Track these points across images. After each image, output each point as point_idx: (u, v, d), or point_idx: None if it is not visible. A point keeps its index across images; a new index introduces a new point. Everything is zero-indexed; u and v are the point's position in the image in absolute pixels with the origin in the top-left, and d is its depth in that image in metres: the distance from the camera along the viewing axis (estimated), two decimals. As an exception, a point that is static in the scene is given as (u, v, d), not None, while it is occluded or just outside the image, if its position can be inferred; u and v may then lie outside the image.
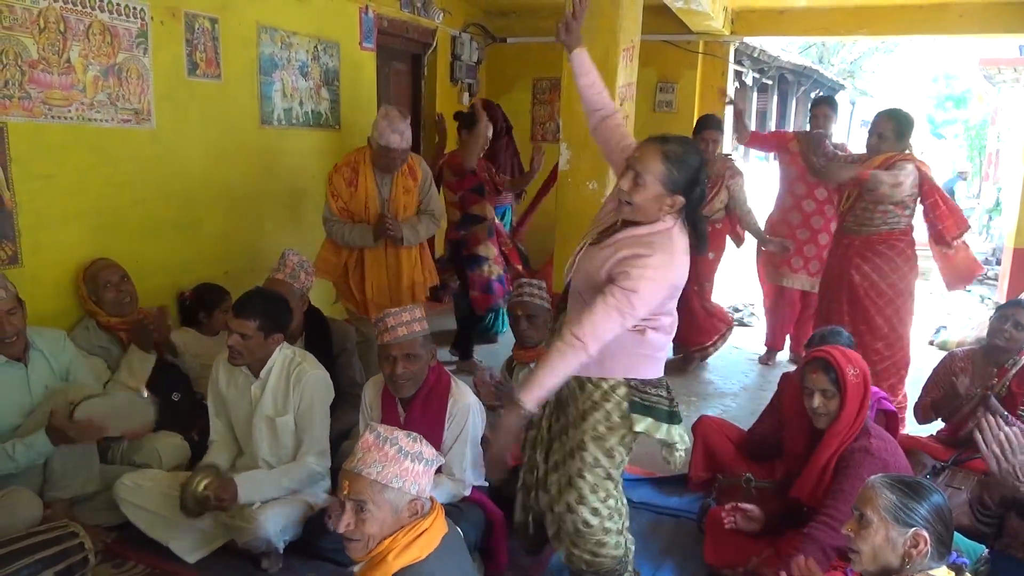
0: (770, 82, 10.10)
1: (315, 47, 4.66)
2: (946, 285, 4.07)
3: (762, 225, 4.88)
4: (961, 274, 3.97)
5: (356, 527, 1.66)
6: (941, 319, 6.58)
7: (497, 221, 4.89)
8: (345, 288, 3.85)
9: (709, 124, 4.71)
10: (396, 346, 2.58)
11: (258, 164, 4.32)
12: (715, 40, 6.47)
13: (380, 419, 2.70)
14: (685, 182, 2.07)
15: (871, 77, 17.68)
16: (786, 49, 10.56)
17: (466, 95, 6.49)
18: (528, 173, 4.93)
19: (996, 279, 8.18)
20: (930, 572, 1.71)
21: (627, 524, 2.41)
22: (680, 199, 2.08)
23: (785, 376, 3.31)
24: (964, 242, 3.91)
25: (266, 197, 4.42)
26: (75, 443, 2.59)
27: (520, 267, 4.94)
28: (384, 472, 1.65)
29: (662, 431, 2.26)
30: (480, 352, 5.11)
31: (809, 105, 4.98)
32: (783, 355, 5.38)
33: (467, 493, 2.75)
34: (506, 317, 5.57)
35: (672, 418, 2.28)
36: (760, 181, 6.46)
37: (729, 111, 5.82)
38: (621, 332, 2.09)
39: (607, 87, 3.78)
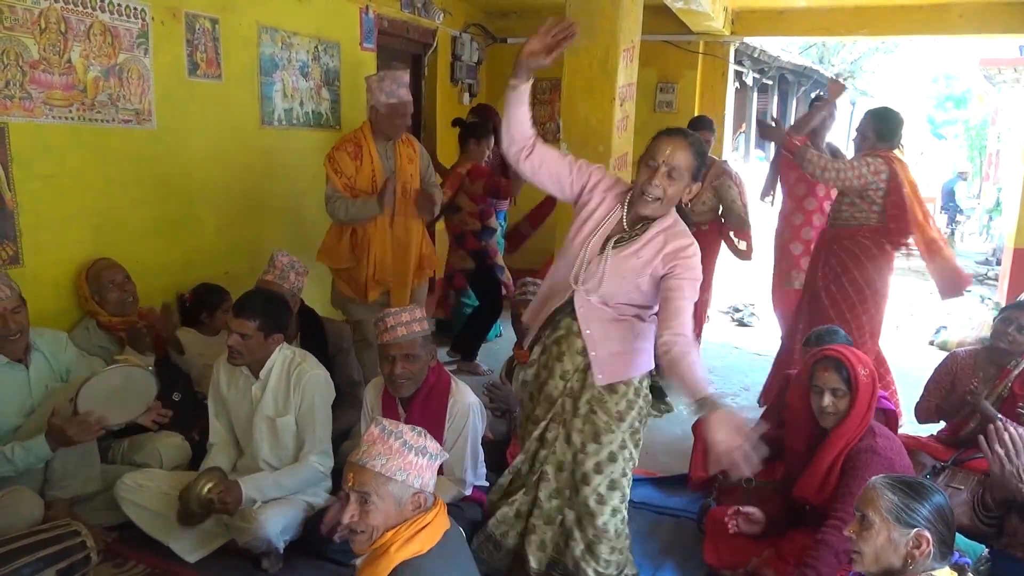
0: (770, 82, 10.10)
1: (315, 47, 4.66)
2: (939, 292, 3.96)
3: (756, 225, 4.90)
4: (946, 282, 3.86)
5: (360, 519, 1.69)
6: (941, 319, 6.58)
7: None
8: (345, 274, 3.76)
9: (702, 125, 4.77)
10: (395, 346, 2.59)
11: (259, 164, 4.33)
12: (715, 40, 6.47)
13: (381, 419, 2.71)
14: (701, 169, 2.20)
15: (871, 77, 17.66)
16: (786, 49, 10.56)
17: (466, 95, 6.49)
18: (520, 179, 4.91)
19: (996, 279, 8.18)
20: (933, 573, 1.71)
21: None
22: (697, 186, 2.21)
23: (786, 376, 3.32)
24: (948, 248, 3.85)
25: (267, 197, 4.42)
26: (75, 444, 2.59)
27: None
28: (388, 465, 1.68)
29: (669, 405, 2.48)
30: (480, 353, 5.11)
31: (808, 105, 4.99)
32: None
33: (468, 493, 2.76)
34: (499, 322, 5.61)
35: (662, 393, 2.46)
36: (760, 181, 6.44)
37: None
38: (645, 328, 2.27)
39: (608, 87, 3.81)
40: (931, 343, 6.01)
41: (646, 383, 2.36)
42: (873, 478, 1.86)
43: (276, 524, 2.55)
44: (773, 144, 4.77)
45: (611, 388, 2.30)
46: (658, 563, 2.75)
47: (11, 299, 2.66)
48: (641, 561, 2.74)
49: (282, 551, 2.64)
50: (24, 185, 3.09)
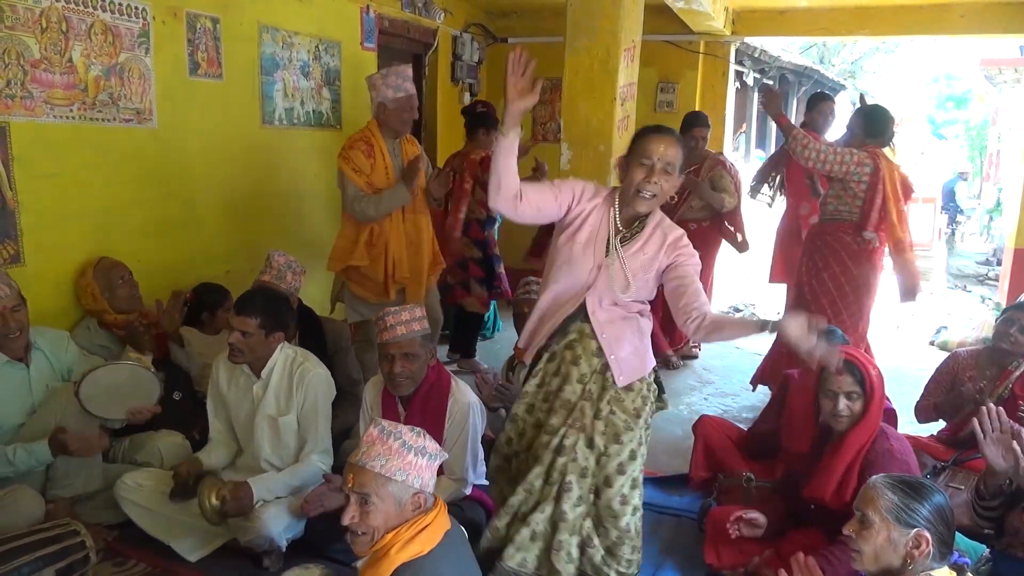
0: (771, 82, 10.09)
1: (316, 47, 4.67)
2: (899, 294, 3.98)
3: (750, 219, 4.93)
4: (904, 285, 3.90)
5: (360, 520, 1.69)
6: (942, 319, 6.58)
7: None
8: (359, 275, 3.70)
9: (698, 121, 4.81)
10: (395, 345, 2.59)
11: (259, 164, 4.33)
12: (716, 40, 6.47)
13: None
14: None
15: (872, 77, 17.69)
16: (787, 49, 10.56)
17: (467, 95, 6.49)
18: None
19: (997, 280, 8.19)
20: (932, 572, 1.71)
21: None
22: (681, 178, 2.32)
23: (786, 376, 3.32)
24: (912, 253, 3.87)
25: (267, 196, 4.42)
26: (76, 456, 2.60)
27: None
28: (388, 465, 1.68)
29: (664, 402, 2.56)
30: (480, 352, 5.11)
31: (807, 102, 4.99)
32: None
33: (468, 492, 2.76)
34: (498, 318, 5.62)
35: (659, 389, 2.51)
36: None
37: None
38: (646, 324, 2.36)
39: (609, 87, 3.82)
40: (931, 343, 6.01)
41: (652, 379, 2.42)
42: (873, 477, 1.86)
43: (278, 523, 2.55)
44: (774, 143, 4.78)
45: (628, 386, 2.34)
46: (658, 563, 2.75)
47: (11, 297, 2.67)
48: (641, 561, 2.74)
49: (284, 550, 2.64)
50: (25, 184, 3.09)
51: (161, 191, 3.71)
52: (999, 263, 8.62)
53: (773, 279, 5.09)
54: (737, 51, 6.94)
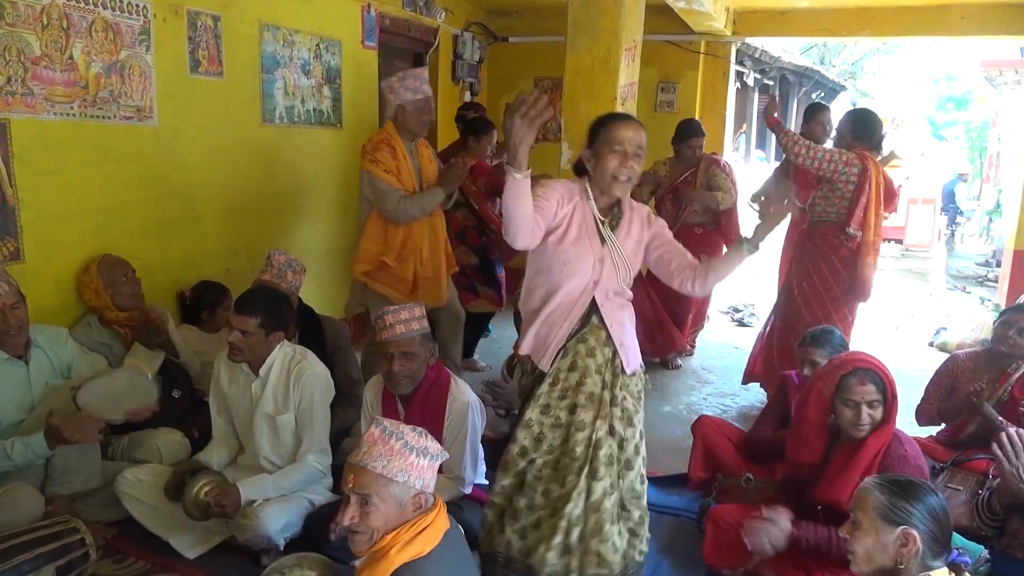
0: (771, 83, 10.09)
1: (317, 45, 4.67)
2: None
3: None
4: (858, 285, 3.92)
5: (360, 520, 1.67)
6: (941, 320, 6.58)
7: None
8: (387, 276, 3.67)
9: (694, 131, 4.85)
10: (394, 344, 2.60)
11: (260, 162, 4.33)
12: (717, 40, 6.47)
13: (381, 417, 2.71)
14: None
15: (872, 78, 17.70)
16: (787, 50, 10.57)
17: (468, 94, 6.50)
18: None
19: (996, 281, 8.19)
20: (931, 573, 1.71)
21: None
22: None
23: (784, 378, 3.32)
24: (873, 258, 3.91)
25: (268, 195, 4.42)
26: (72, 444, 2.59)
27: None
28: (390, 466, 1.67)
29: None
30: (479, 352, 5.12)
31: (804, 113, 4.98)
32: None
33: (467, 491, 2.76)
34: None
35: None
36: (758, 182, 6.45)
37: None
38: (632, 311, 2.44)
39: (610, 86, 3.81)
40: (931, 344, 6.01)
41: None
42: (865, 479, 1.86)
43: (276, 521, 2.55)
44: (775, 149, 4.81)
45: (631, 372, 2.42)
46: (657, 562, 2.75)
47: (10, 295, 2.66)
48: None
49: (282, 548, 2.63)
50: (25, 181, 3.09)
51: (161, 189, 3.71)
52: (999, 264, 8.62)
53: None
54: (738, 51, 6.94)
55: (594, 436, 2.30)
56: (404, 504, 1.69)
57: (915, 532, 1.70)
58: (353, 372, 3.53)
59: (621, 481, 2.36)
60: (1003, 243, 7.46)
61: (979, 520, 2.33)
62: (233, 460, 2.88)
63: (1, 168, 2.99)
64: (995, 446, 2.13)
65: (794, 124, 11.64)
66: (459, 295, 4.72)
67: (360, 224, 3.71)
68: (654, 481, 3.36)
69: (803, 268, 3.99)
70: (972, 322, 6.34)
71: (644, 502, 2.43)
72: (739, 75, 8.09)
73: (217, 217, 4.07)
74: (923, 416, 3.44)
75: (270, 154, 4.40)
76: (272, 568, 2.07)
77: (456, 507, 2.64)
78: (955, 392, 3.34)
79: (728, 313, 6.71)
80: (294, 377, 2.72)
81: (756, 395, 4.58)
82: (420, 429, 1.77)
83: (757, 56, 8.52)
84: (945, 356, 3.68)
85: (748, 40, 7.02)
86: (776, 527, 2.33)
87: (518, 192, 2.08)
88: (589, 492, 2.29)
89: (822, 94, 13.20)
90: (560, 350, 2.35)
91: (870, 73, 17.48)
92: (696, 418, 3.45)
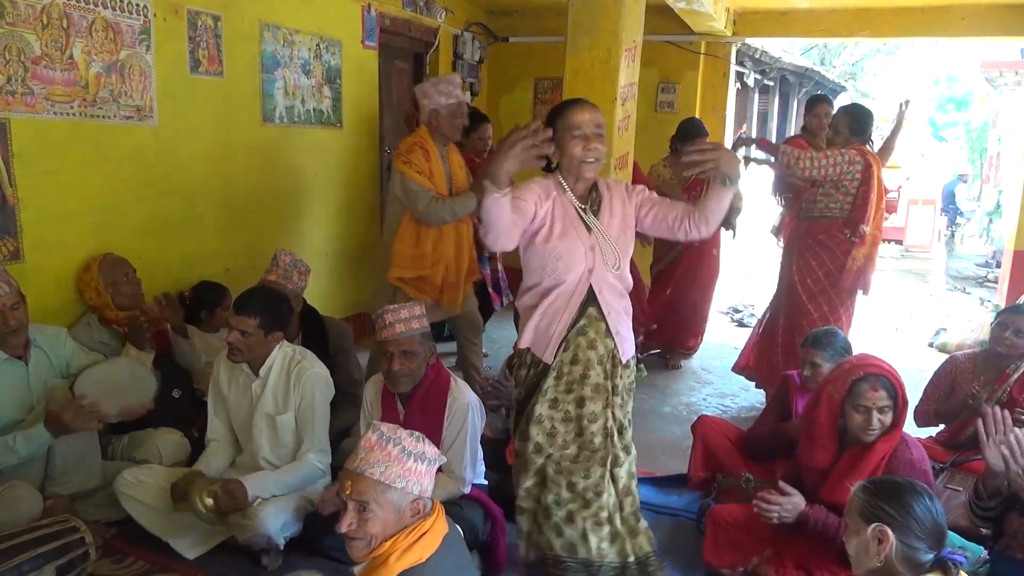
0: (772, 83, 10.08)
1: (317, 45, 4.67)
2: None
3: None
4: (861, 273, 4.01)
5: (358, 527, 1.64)
6: (941, 321, 6.58)
7: None
8: (417, 280, 3.68)
9: (701, 131, 4.84)
10: (394, 343, 2.60)
11: (260, 162, 4.33)
12: (717, 41, 6.47)
13: (380, 417, 2.71)
14: None
15: (872, 79, 17.69)
16: (788, 50, 10.56)
17: (468, 94, 6.49)
18: None
19: (996, 282, 8.19)
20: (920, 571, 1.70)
21: None
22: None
23: (786, 378, 3.32)
24: (872, 239, 3.97)
25: (268, 195, 4.42)
26: (73, 431, 2.58)
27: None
28: (387, 472, 1.64)
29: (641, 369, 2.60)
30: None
31: (806, 104, 5.01)
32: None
33: (466, 491, 2.76)
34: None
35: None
36: (760, 181, 6.46)
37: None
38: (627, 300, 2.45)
39: (610, 87, 3.81)
40: (930, 345, 6.01)
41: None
42: (856, 483, 1.87)
43: (276, 521, 2.55)
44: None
45: (626, 363, 2.44)
46: (657, 562, 2.75)
47: (10, 295, 2.66)
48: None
49: (282, 547, 2.64)
50: (25, 181, 3.09)
51: (161, 188, 3.71)
52: (998, 265, 8.62)
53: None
54: (738, 52, 6.94)
55: (608, 425, 2.36)
56: (402, 510, 1.66)
57: (888, 528, 1.69)
58: (354, 373, 3.53)
59: (627, 458, 2.45)
60: (1003, 244, 7.46)
61: (973, 513, 2.33)
62: (232, 462, 2.88)
63: (1, 167, 2.99)
64: (980, 430, 2.14)
65: (794, 125, 11.65)
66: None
67: (389, 227, 3.73)
68: (654, 481, 3.38)
69: (805, 264, 4.00)
70: (972, 323, 6.34)
71: (635, 485, 2.50)
72: (739, 76, 8.08)
73: (217, 217, 4.07)
74: (920, 417, 3.44)
75: (270, 154, 4.40)
76: None
77: (455, 506, 2.64)
78: (954, 393, 3.34)
79: (728, 313, 6.71)
80: (294, 377, 2.72)
81: (756, 395, 4.58)
82: (417, 434, 1.74)
83: (757, 57, 8.51)
84: (945, 357, 3.68)
85: (748, 41, 7.01)
86: (790, 501, 2.37)
87: (498, 208, 2.13)
88: (615, 479, 2.37)
89: (819, 93, 13.18)
90: (562, 342, 2.37)
91: (870, 74, 17.48)
92: (696, 418, 3.45)
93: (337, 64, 4.84)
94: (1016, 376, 3.17)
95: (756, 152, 4.76)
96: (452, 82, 3.66)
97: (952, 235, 12.60)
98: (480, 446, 2.85)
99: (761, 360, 4.33)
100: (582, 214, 2.35)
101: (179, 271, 3.83)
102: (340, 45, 4.84)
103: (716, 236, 4.98)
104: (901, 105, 4.61)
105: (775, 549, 2.49)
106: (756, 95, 9.54)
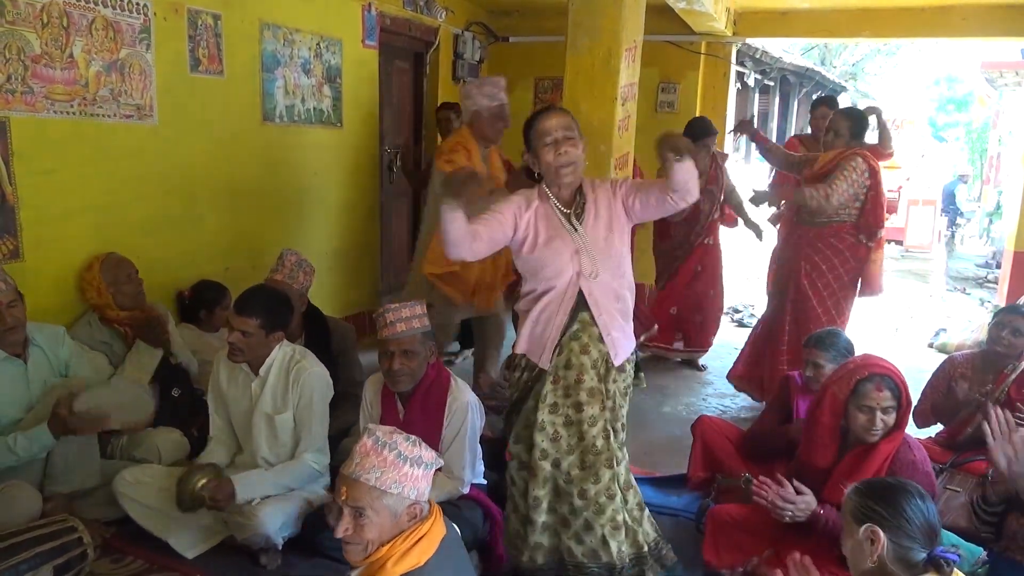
0: (772, 83, 10.09)
1: (317, 44, 4.66)
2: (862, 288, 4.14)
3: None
4: (874, 276, 4.07)
5: (355, 532, 1.63)
6: (941, 322, 6.58)
7: None
8: (452, 278, 3.71)
9: (711, 129, 4.83)
10: (394, 342, 2.59)
11: (260, 161, 4.33)
12: (717, 41, 6.47)
13: (380, 416, 2.71)
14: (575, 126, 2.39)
15: (873, 79, 17.68)
16: (788, 50, 10.55)
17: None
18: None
19: (996, 282, 8.19)
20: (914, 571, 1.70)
21: None
22: (584, 140, 2.41)
23: (787, 378, 3.31)
24: (882, 244, 4.06)
25: (268, 194, 4.42)
26: (77, 434, 2.59)
27: None
28: (383, 478, 1.62)
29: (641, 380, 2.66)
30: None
31: (812, 104, 5.01)
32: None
33: (465, 491, 2.75)
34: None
35: (635, 368, 2.60)
36: (760, 182, 6.46)
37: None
38: (630, 301, 2.45)
39: (610, 87, 3.80)
40: (930, 345, 6.01)
41: (633, 359, 2.55)
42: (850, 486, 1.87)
43: (275, 520, 2.55)
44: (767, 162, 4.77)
45: (620, 368, 2.45)
46: (656, 563, 2.75)
47: (7, 293, 2.66)
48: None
49: (280, 547, 2.63)
50: (25, 180, 3.09)
51: (161, 188, 3.71)
52: (998, 266, 8.62)
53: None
54: (738, 52, 6.93)
55: (607, 426, 2.40)
56: (399, 515, 1.65)
57: (878, 529, 1.69)
58: (356, 374, 3.53)
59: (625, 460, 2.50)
60: (1003, 245, 7.45)
61: (976, 515, 2.32)
62: (231, 460, 2.87)
63: (1, 166, 2.99)
64: (985, 427, 2.13)
65: (794, 124, 11.66)
66: None
67: (427, 224, 3.78)
68: (654, 481, 3.37)
69: (816, 268, 4.00)
70: (972, 324, 6.34)
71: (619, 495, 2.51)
72: (740, 76, 8.08)
73: (217, 216, 4.07)
74: (919, 418, 3.44)
75: (270, 153, 4.39)
76: None
77: (453, 506, 2.63)
78: (952, 394, 3.34)
79: (728, 313, 6.70)
80: (293, 376, 2.72)
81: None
82: (414, 438, 1.72)
83: (758, 57, 8.51)
84: (944, 357, 3.68)
85: (749, 41, 7.01)
86: (803, 500, 2.37)
87: (450, 221, 2.23)
88: (617, 477, 2.42)
89: (822, 95, 13.19)
90: (556, 347, 2.40)
91: (871, 74, 17.46)
92: (696, 418, 3.44)
93: (337, 63, 4.84)
94: (1014, 376, 3.17)
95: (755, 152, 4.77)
96: (496, 84, 3.68)
97: (952, 236, 12.59)
98: (480, 446, 2.85)
99: (760, 369, 4.31)
100: (563, 219, 2.37)
101: (179, 270, 3.83)
102: (340, 44, 4.84)
103: (715, 228, 5.00)
104: (877, 111, 4.58)
105: (775, 549, 2.49)
106: (756, 95, 9.55)
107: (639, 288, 4.19)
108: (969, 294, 8.21)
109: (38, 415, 2.67)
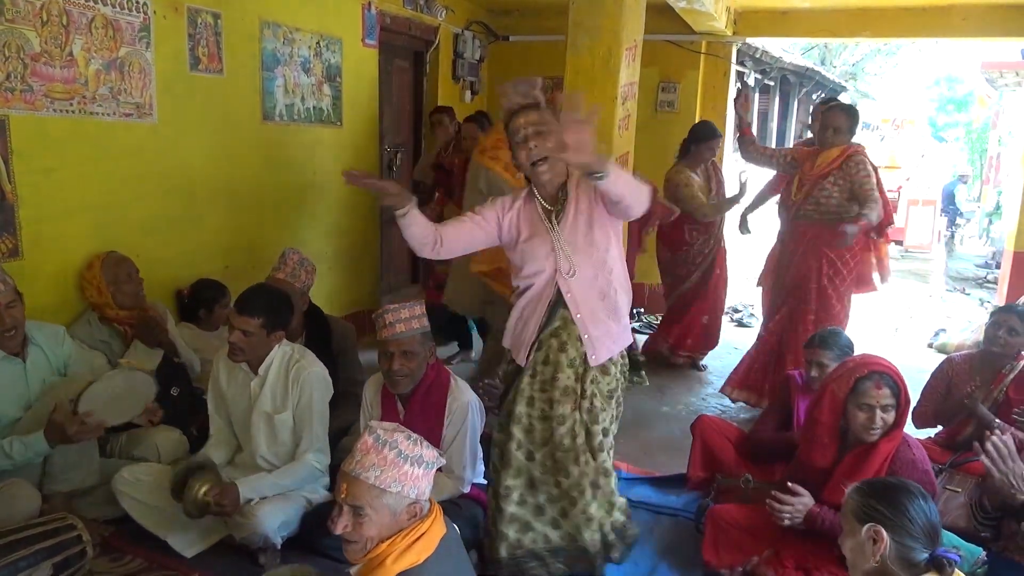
0: (772, 83, 10.09)
1: (317, 43, 4.66)
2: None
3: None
4: (885, 268, 4.19)
5: (354, 530, 1.64)
6: (940, 322, 6.58)
7: None
8: (502, 275, 3.66)
9: (715, 133, 4.81)
10: (394, 342, 2.59)
11: (259, 160, 4.32)
12: (718, 40, 6.46)
13: (380, 417, 2.71)
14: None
15: (873, 79, 17.67)
16: (788, 50, 10.55)
17: (468, 93, 6.49)
18: None
19: (996, 283, 8.19)
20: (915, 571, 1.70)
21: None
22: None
23: (788, 378, 3.31)
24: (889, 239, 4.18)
25: (267, 193, 4.41)
26: (74, 443, 2.59)
27: None
28: (383, 476, 1.62)
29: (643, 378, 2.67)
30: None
31: (819, 107, 4.95)
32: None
33: (466, 491, 2.76)
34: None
35: (637, 366, 2.61)
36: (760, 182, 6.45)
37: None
38: (621, 302, 2.42)
39: (610, 86, 3.81)
40: (930, 346, 6.01)
41: (625, 359, 2.55)
42: (851, 485, 1.87)
43: (274, 520, 2.55)
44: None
45: (603, 369, 2.44)
46: (655, 562, 2.75)
47: (6, 293, 2.65)
48: (638, 560, 2.74)
49: (279, 547, 2.63)
50: (24, 178, 3.08)
51: (161, 186, 3.70)
52: (998, 266, 8.62)
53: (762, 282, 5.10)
54: (738, 52, 6.93)
55: (576, 427, 2.41)
56: (398, 513, 1.66)
57: (882, 528, 1.69)
58: (356, 373, 3.53)
59: (595, 462, 2.48)
60: (1003, 245, 7.45)
61: (975, 520, 2.32)
62: (231, 459, 2.87)
63: (0, 165, 2.98)
64: (983, 455, 2.13)
65: (794, 124, 11.66)
66: (429, 293, 4.80)
67: None
68: (653, 481, 3.37)
69: (831, 266, 3.99)
70: (971, 324, 6.34)
71: (613, 478, 2.56)
72: (740, 75, 8.08)
73: (216, 215, 4.07)
74: (918, 418, 3.44)
75: (270, 152, 4.39)
76: None
77: (454, 506, 2.64)
78: (950, 394, 3.34)
79: (728, 313, 6.69)
80: (293, 376, 2.72)
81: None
82: (415, 436, 1.72)
83: (758, 56, 8.51)
84: (944, 358, 3.68)
85: (749, 40, 7.01)
86: (800, 501, 2.38)
87: (403, 226, 2.34)
88: (585, 474, 2.45)
89: (823, 95, 13.19)
90: (534, 343, 2.43)
91: (871, 74, 17.45)
92: (695, 418, 3.44)
93: (337, 62, 4.84)
94: (1012, 376, 3.17)
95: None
96: (532, 84, 3.65)
97: (952, 236, 12.59)
98: (480, 445, 2.85)
99: (765, 377, 4.27)
100: (544, 217, 2.39)
101: (178, 269, 3.83)
102: (340, 43, 4.84)
103: (719, 232, 4.98)
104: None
105: (775, 549, 2.49)
106: (756, 95, 9.54)
107: (639, 288, 4.19)
108: (969, 294, 8.22)
109: (36, 414, 2.67)
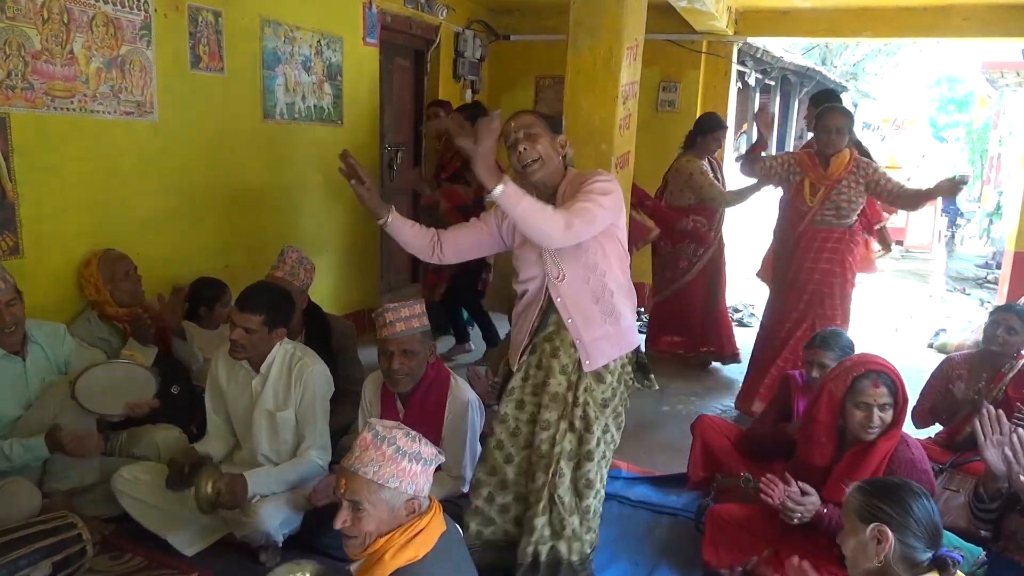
0: (773, 83, 10.07)
1: (318, 42, 4.66)
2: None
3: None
4: (871, 260, 4.35)
5: (353, 525, 1.65)
6: (941, 322, 6.58)
7: None
8: None
9: (721, 124, 4.81)
10: (394, 341, 2.59)
11: (260, 158, 4.32)
12: (718, 40, 6.46)
13: (379, 415, 2.71)
14: (553, 120, 2.38)
15: (874, 79, 17.66)
16: (789, 50, 10.54)
17: (469, 92, 6.49)
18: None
19: (996, 283, 8.19)
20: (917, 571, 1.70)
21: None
22: (562, 137, 2.37)
23: (787, 377, 3.31)
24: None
25: (268, 191, 4.41)
26: (73, 456, 2.60)
27: None
28: (381, 472, 1.64)
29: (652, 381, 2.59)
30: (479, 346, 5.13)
31: (811, 108, 4.93)
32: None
33: (466, 489, 2.75)
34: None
35: (647, 369, 2.53)
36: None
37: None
38: (620, 305, 2.35)
39: (611, 85, 3.81)
40: (930, 346, 6.01)
41: (628, 367, 2.45)
42: (852, 484, 1.87)
43: (275, 518, 2.55)
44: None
45: (599, 377, 2.37)
46: (655, 562, 2.76)
47: (6, 291, 2.65)
48: (638, 560, 2.74)
49: (280, 545, 2.63)
50: (25, 176, 3.08)
51: (161, 184, 3.70)
52: (998, 266, 8.62)
53: (762, 275, 5.10)
54: (739, 51, 6.93)
55: (557, 436, 2.37)
56: (396, 509, 1.67)
57: (887, 528, 1.69)
58: (355, 372, 3.53)
59: (578, 471, 2.38)
60: (1003, 245, 7.45)
61: (973, 513, 2.32)
62: (229, 457, 2.87)
63: (1, 163, 2.98)
64: (976, 426, 2.16)
65: (794, 124, 11.65)
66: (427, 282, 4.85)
67: None
68: (653, 481, 3.37)
69: (843, 266, 4.00)
70: (971, 324, 6.34)
71: (586, 504, 2.40)
72: (740, 75, 8.07)
73: (217, 213, 4.06)
74: (918, 418, 3.44)
75: (270, 150, 4.39)
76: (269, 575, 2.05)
77: (453, 504, 2.63)
78: (950, 394, 3.34)
79: (728, 314, 6.69)
80: (296, 374, 2.72)
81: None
82: (414, 433, 1.73)
83: (759, 56, 8.50)
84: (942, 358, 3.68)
85: (750, 40, 7.00)
86: (809, 500, 2.37)
87: (392, 232, 2.41)
88: (553, 487, 2.37)
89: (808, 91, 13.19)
90: (528, 346, 2.42)
91: (871, 74, 17.43)
92: (696, 418, 3.44)
93: (338, 61, 4.83)
94: (1011, 375, 3.18)
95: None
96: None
97: (952, 236, 12.60)
98: (480, 444, 2.85)
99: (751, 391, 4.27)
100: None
101: (179, 267, 3.83)
102: (341, 42, 4.84)
103: (719, 224, 4.98)
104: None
105: (775, 549, 2.49)
106: (757, 94, 9.53)
107: (638, 288, 4.18)
108: (969, 294, 8.22)
109: (36, 414, 2.67)
